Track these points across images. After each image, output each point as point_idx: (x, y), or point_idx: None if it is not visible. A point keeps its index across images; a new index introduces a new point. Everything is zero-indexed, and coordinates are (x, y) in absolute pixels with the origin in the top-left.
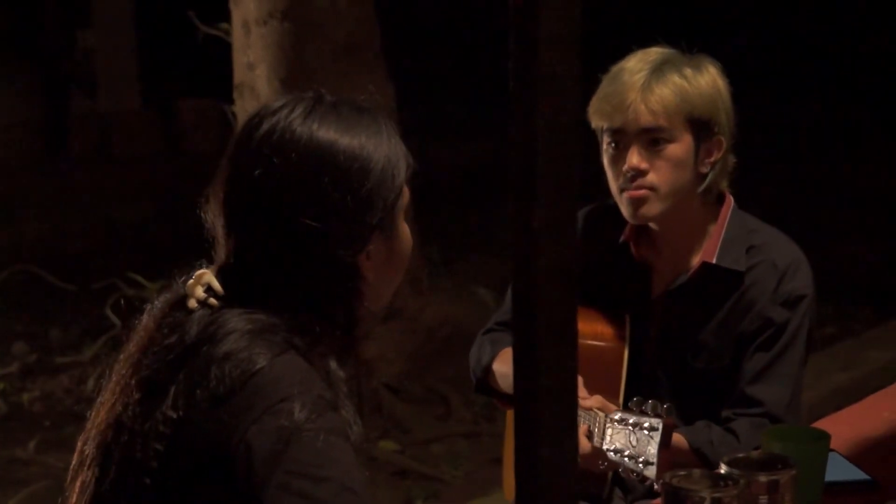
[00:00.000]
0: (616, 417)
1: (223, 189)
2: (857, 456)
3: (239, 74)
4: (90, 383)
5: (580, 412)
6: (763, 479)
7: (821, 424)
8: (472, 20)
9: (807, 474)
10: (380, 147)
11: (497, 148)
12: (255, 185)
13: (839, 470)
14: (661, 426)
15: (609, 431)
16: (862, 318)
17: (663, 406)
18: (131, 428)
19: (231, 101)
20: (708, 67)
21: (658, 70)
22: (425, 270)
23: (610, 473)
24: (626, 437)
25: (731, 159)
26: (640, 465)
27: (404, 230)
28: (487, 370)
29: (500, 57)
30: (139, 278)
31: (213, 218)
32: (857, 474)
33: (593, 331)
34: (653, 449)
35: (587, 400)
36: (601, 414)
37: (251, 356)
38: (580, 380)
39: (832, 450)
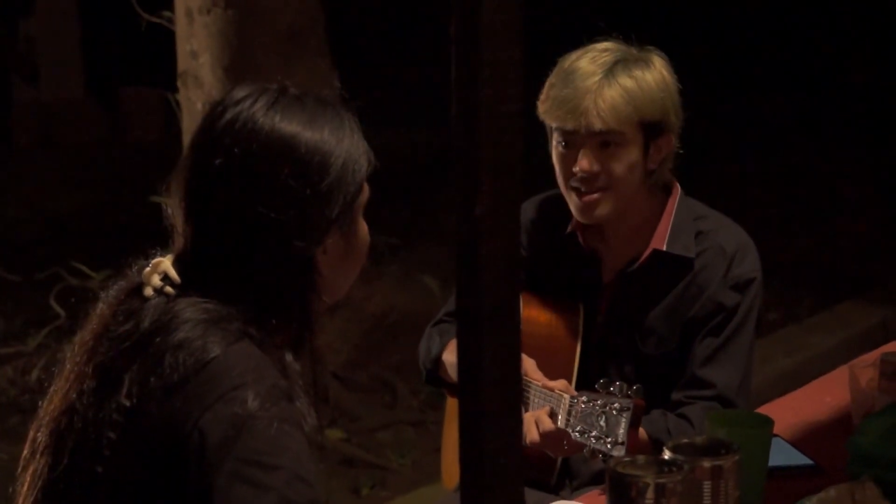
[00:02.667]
0: (584, 398)
1: (184, 177)
2: (800, 441)
3: (182, 63)
4: (34, 374)
5: (544, 393)
6: (707, 464)
7: (764, 409)
8: (416, 7)
9: (750, 459)
10: (342, 142)
11: (442, 136)
12: (215, 173)
13: (782, 455)
14: (631, 406)
15: (575, 412)
16: (805, 304)
17: (633, 387)
18: (85, 415)
19: (174, 90)
20: (655, 63)
21: (609, 73)
22: (371, 259)
23: (559, 460)
24: (594, 418)
25: (677, 147)
26: (609, 445)
27: (362, 227)
28: (437, 361)
29: (443, 45)
30: (83, 268)
31: (174, 206)
32: (800, 459)
33: (548, 318)
34: (622, 429)
35: (552, 382)
36: (566, 395)
37: (205, 345)
38: (533, 363)
39: (775, 435)
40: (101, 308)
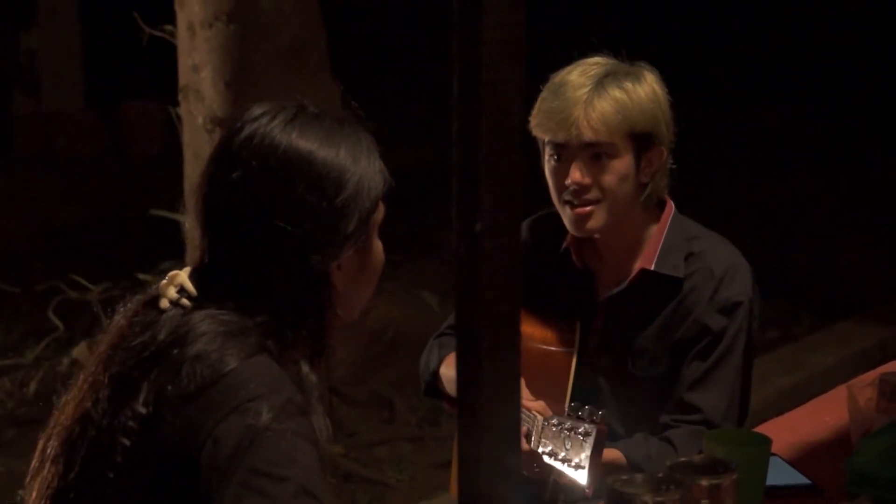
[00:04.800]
0: (553, 421)
1: (202, 191)
2: (799, 460)
3: (184, 77)
4: (32, 386)
5: (523, 413)
6: (705, 483)
7: (762, 429)
8: (417, 24)
9: (748, 478)
10: (358, 160)
11: (442, 151)
12: (232, 187)
13: (780, 474)
14: (594, 431)
15: (545, 435)
16: (804, 323)
17: (599, 412)
18: (99, 423)
19: (175, 104)
20: (646, 77)
21: (599, 85)
22: None
23: (551, 477)
24: (560, 441)
25: (670, 162)
26: (572, 468)
27: (377, 245)
28: (435, 374)
29: (444, 61)
30: (82, 280)
31: (192, 219)
32: (798, 478)
33: (544, 336)
34: (585, 454)
35: (531, 402)
36: (540, 417)
37: (223, 357)
38: (522, 382)
39: (774, 454)
40: (117, 320)
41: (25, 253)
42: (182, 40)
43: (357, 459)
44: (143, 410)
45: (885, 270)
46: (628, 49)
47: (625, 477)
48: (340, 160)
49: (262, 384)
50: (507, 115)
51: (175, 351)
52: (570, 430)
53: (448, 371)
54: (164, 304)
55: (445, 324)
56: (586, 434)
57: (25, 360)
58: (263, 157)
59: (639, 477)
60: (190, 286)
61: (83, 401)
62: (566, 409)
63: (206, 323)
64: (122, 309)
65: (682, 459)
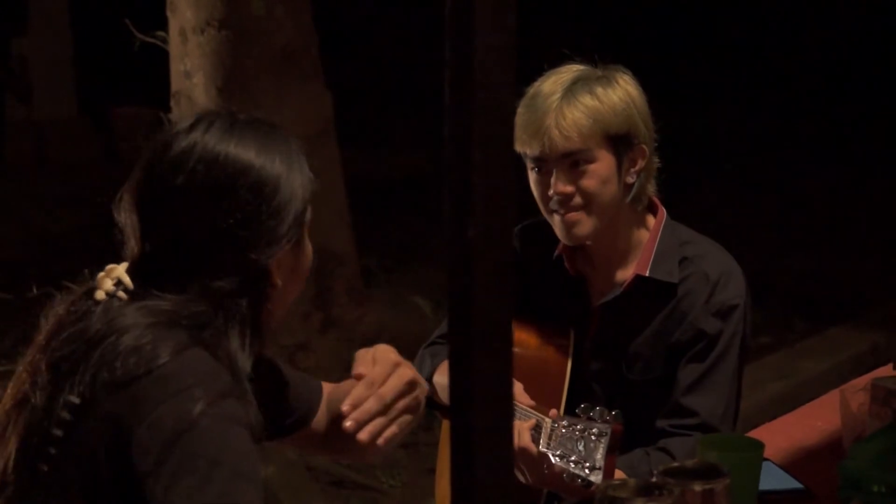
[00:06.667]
0: (564, 423)
1: (138, 192)
2: (791, 465)
3: (176, 83)
4: None
5: (529, 413)
6: (697, 488)
7: (755, 434)
8: (409, 30)
9: (741, 483)
10: (292, 167)
11: (434, 157)
12: (176, 192)
13: (773, 479)
14: (609, 432)
15: (555, 436)
16: (797, 328)
17: (611, 412)
18: (33, 414)
19: (168, 110)
20: (619, 80)
21: (569, 92)
22: (363, 280)
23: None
24: (573, 443)
25: (655, 161)
26: (587, 470)
27: (308, 245)
28: (428, 383)
29: (436, 67)
30: (74, 287)
31: (126, 216)
32: (791, 483)
33: (538, 343)
34: (600, 454)
35: (538, 406)
36: (548, 419)
37: (156, 349)
38: (520, 386)
39: (766, 459)
40: (55, 310)
41: (18, 259)
42: (174, 46)
43: (350, 465)
44: (76, 401)
45: (878, 276)
46: (622, 54)
47: (616, 482)
48: (276, 167)
49: (195, 374)
50: (499, 120)
51: (108, 341)
52: (582, 431)
53: (441, 379)
54: (100, 295)
55: (436, 333)
56: (601, 434)
57: (17, 366)
58: (206, 164)
59: (630, 482)
60: (127, 279)
61: (18, 392)
62: (577, 411)
63: (139, 314)
64: (59, 299)
65: (675, 464)
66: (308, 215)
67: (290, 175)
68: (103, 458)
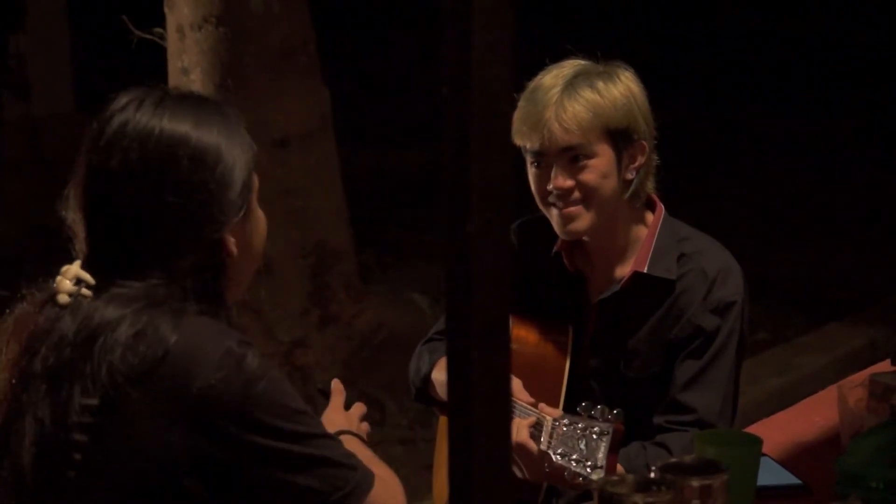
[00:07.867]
0: (564, 421)
1: (82, 184)
2: (789, 460)
3: (173, 79)
4: None
5: (529, 413)
6: (695, 483)
7: (753, 429)
8: (407, 27)
9: (739, 479)
10: (232, 136)
11: (433, 153)
12: (115, 174)
13: (771, 474)
14: (611, 430)
15: (556, 435)
16: (795, 324)
17: (614, 411)
18: (38, 427)
19: None
20: (620, 75)
21: (569, 86)
22: (361, 276)
23: (544, 483)
24: (574, 441)
25: (655, 158)
26: (588, 469)
27: (259, 213)
28: (426, 380)
29: (434, 64)
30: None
31: (73, 214)
32: (789, 479)
33: (537, 340)
34: (601, 453)
35: (538, 404)
36: (549, 418)
37: (157, 330)
38: (519, 383)
39: (764, 454)
40: (17, 319)
41: (15, 255)
42: (172, 43)
43: None
44: (94, 402)
45: (875, 272)
46: (623, 50)
47: (615, 478)
48: (214, 136)
49: (212, 337)
50: (497, 115)
51: (103, 338)
52: (583, 429)
53: (440, 375)
54: (64, 298)
55: (433, 329)
56: (602, 433)
57: None
58: (141, 142)
59: (629, 477)
60: (86, 276)
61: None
62: (578, 410)
63: (116, 306)
64: (19, 310)
65: (673, 460)
66: (254, 182)
67: (231, 143)
68: (154, 447)
